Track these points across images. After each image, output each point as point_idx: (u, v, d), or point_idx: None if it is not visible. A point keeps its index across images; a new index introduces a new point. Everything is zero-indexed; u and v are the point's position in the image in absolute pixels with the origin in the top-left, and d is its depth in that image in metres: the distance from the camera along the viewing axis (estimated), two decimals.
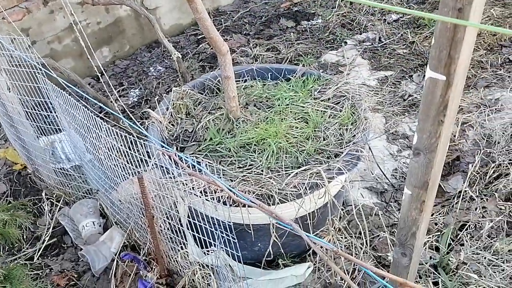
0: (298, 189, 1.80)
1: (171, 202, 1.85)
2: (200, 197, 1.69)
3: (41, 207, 2.72)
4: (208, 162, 2.00)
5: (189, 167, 1.52)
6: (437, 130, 0.89)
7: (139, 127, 1.67)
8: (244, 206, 1.85)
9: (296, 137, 2.10)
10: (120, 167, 1.91)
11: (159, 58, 4.21)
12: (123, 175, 1.95)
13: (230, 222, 1.71)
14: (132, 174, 1.87)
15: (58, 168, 2.78)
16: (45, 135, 2.73)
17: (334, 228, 2.11)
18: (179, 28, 4.63)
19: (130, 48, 4.30)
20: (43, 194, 2.71)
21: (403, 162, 2.72)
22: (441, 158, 0.95)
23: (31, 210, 2.69)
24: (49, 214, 2.63)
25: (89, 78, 4.02)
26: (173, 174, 1.66)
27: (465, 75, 0.84)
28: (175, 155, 1.36)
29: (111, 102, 3.63)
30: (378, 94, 3.36)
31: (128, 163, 1.83)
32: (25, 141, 2.67)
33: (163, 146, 2.15)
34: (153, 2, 4.29)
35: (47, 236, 2.52)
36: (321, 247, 1.09)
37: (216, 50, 2.06)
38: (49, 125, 2.53)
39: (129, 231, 2.29)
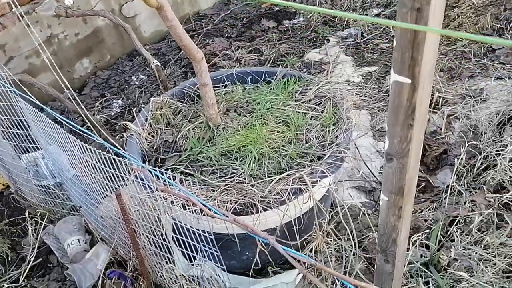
0: (281, 196, 1.76)
1: (153, 217, 1.80)
2: (180, 210, 1.64)
3: (25, 227, 2.65)
4: (189, 173, 1.95)
5: (166, 182, 1.47)
6: (407, 135, 0.85)
7: (113, 143, 1.62)
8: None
9: (278, 142, 2.06)
10: (98, 184, 1.86)
11: (141, 66, 4.15)
12: (102, 191, 1.90)
13: (213, 234, 1.67)
14: (111, 190, 1.82)
15: (42, 185, 2.72)
16: (27, 152, 2.67)
17: (322, 231, 2.07)
18: (160, 34, 4.57)
19: (111, 57, 4.24)
20: (26, 213, 2.65)
21: None
22: (415, 162, 0.91)
23: (14, 231, 2.63)
24: (34, 233, 2.57)
25: (71, 91, 3.95)
26: (151, 189, 1.61)
27: (431, 76, 0.80)
28: (148, 171, 1.31)
29: (93, 114, 3.57)
30: (362, 90, 3.33)
31: (105, 180, 1.78)
32: (5, 160, 2.61)
33: (143, 161, 2.10)
34: (132, 10, 4.23)
35: (32, 257, 2.46)
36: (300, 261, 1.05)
37: (191, 57, 2.02)
38: (29, 143, 2.47)
39: (114, 247, 2.24)
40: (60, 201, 2.64)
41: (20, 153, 2.62)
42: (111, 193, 1.84)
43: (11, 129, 2.35)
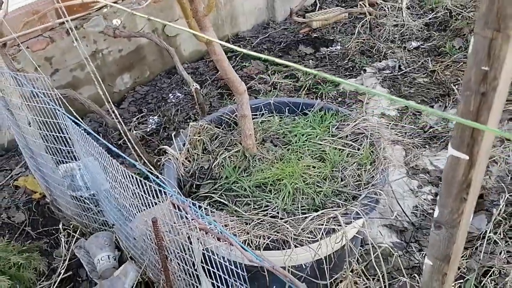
0: (314, 235, 1.76)
1: (184, 243, 1.83)
2: (215, 243, 1.66)
3: (58, 237, 2.73)
4: (223, 203, 1.98)
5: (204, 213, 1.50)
6: (460, 207, 0.84)
7: (149, 161, 1.67)
8: (258, 249, 1.83)
9: (313, 178, 2.06)
10: (134, 206, 1.91)
11: (178, 84, 4.25)
12: (135, 212, 1.95)
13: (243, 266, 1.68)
14: (145, 207, 1.86)
15: (76, 197, 2.80)
16: (64, 162, 2.76)
17: (351, 271, 2.05)
18: (198, 54, 4.68)
19: (150, 74, 4.35)
20: (60, 225, 2.73)
21: (424, 199, 2.64)
22: (463, 232, 0.91)
23: (47, 241, 2.70)
24: (65, 245, 2.64)
25: (111, 105, 4.07)
26: (188, 222, 1.63)
27: (489, 152, 0.80)
28: (188, 207, 1.34)
29: (130, 130, 3.66)
30: (398, 125, 3.30)
31: (141, 204, 1.82)
32: (44, 172, 2.70)
33: (179, 185, 2.14)
34: (174, 30, 4.35)
35: (62, 269, 2.52)
36: None
37: (233, 89, 2.06)
38: (68, 155, 2.55)
39: (143, 268, 2.27)
40: (92, 215, 2.71)
41: (58, 162, 2.71)
42: (143, 211, 1.89)
43: (54, 144, 2.44)
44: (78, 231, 2.71)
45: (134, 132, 3.65)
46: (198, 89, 3.01)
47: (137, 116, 3.86)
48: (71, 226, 2.75)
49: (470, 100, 0.71)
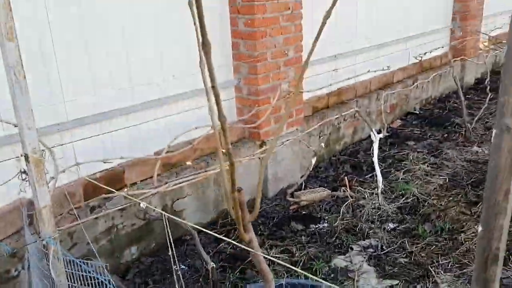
0: None
1: None
2: None
3: None
4: None
5: None
6: None
7: None
8: None
9: None
10: None
11: (182, 256, 4.59)
12: None
13: None
14: None
15: None
16: None
17: None
18: (200, 225, 5.13)
19: (155, 245, 4.71)
20: None
21: None
22: None
23: None
24: None
25: (115, 276, 4.32)
26: None
27: None
28: None
29: None
30: None
31: None
32: None
33: None
34: (181, 205, 4.88)
35: None
36: None
37: (264, 278, 2.48)
38: None
39: None
40: None
41: None
42: None
43: None
44: None
45: None
46: (214, 268, 3.39)
47: None
48: None
49: None
